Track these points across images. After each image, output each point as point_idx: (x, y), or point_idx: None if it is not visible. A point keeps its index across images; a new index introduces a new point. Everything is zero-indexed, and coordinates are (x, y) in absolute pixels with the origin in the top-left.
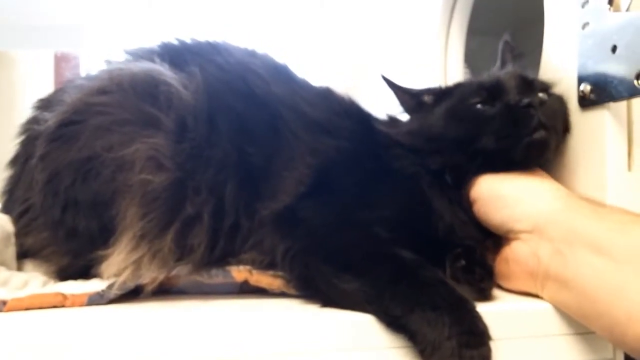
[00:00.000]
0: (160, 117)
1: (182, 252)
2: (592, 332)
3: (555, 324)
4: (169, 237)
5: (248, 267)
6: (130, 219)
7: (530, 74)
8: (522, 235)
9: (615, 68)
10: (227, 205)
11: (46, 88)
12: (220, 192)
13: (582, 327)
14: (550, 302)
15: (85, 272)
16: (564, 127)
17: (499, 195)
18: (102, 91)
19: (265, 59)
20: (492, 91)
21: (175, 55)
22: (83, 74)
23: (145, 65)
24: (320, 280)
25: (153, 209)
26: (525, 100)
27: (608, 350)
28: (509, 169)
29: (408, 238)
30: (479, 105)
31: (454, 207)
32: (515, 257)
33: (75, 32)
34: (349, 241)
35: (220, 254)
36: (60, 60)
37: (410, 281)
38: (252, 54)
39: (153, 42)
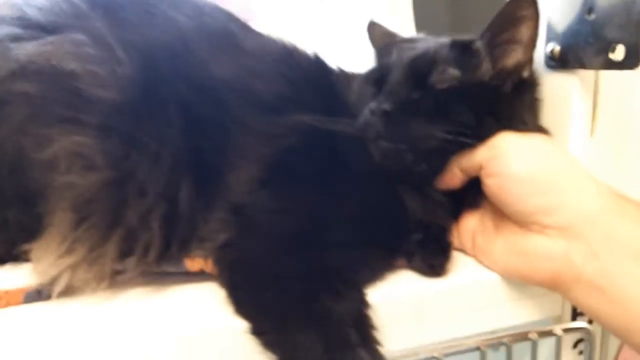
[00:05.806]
0: (82, 115)
1: (128, 259)
2: (541, 295)
3: (504, 291)
4: (111, 248)
5: (202, 257)
6: (59, 223)
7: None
8: (550, 231)
9: (590, 33)
10: (181, 209)
11: None
12: (173, 194)
13: (529, 291)
14: (577, 306)
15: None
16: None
17: (534, 179)
18: (22, 77)
19: (213, 22)
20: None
21: (108, 13)
22: None
23: (66, 55)
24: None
25: (89, 214)
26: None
27: (557, 307)
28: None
29: (382, 228)
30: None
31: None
32: (539, 252)
33: None
34: (284, 275)
35: (172, 256)
36: None
37: None
38: (200, 13)
39: None
